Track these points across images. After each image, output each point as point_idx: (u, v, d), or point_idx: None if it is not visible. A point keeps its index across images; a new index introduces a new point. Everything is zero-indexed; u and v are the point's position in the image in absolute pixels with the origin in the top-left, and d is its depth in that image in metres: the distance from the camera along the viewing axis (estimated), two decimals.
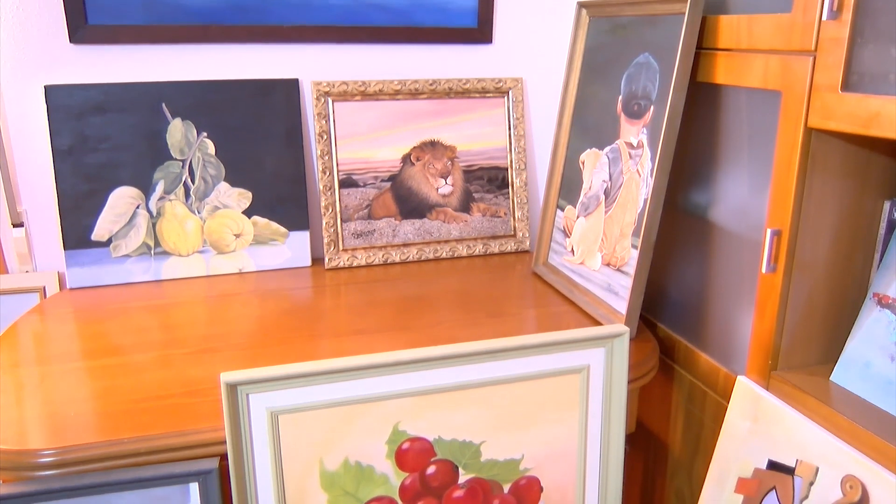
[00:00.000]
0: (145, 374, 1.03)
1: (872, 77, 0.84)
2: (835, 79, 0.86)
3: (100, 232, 1.35)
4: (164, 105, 1.36)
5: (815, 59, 0.89)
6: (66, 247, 1.34)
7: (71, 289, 1.35)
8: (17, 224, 1.38)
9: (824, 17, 0.86)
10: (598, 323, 1.20)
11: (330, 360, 0.82)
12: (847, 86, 0.85)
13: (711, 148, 1.14)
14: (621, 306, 1.16)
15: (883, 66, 0.83)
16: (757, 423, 0.98)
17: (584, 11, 1.37)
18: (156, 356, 1.08)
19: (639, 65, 1.19)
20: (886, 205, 0.98)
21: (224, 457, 0.87)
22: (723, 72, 1.07)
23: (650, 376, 1.12)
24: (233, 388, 0.80)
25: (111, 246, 1.36)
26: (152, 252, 1.39)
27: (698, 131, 1.16)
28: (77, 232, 1.34)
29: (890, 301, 0.93)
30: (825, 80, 0.87)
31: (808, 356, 1.02)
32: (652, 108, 1.15)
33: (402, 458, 0.88)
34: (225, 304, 1.29)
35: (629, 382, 0.97)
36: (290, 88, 1.44)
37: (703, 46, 1.11)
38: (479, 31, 1.54)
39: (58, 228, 1.34)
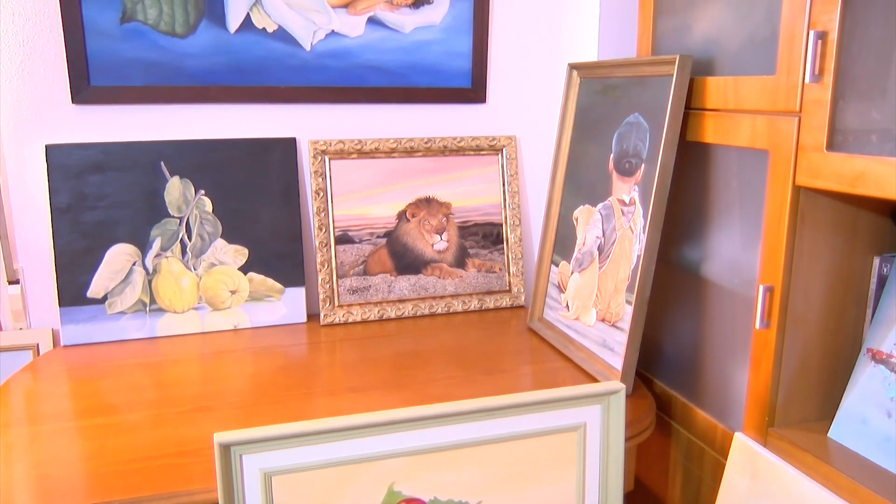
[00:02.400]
0: (138, 434, 1.01)
1: (856, 137, 0.87)
2: (820, 139, 0.88)
3: (95, 289, 1.36)
4: (162, 163, 1.38)
5: (799, 119, 0.91)
6: (61, 304, 1.34)
7: (65, 346, 1.34)
8: (13, 281, 1.38)
9: (807, 80, 0.89)
10: (593, 379, 1.20)
11: (324, 419, 0.82)
12: (832, 145, 0.87)
13: (703, 205, 1.16)
14: (617, 362, 1.16)
15: (865, 127, 0.86)
16: (756, 481, 0.97)
17: (575, 73, 1.41)
18: (149, 415, 1.07)
19: (629, 124, 1.22)
20: (876, 260, 0.99)
21: None
22: (711, 131, 1.10)
23: (647, 433, 1.11)
24: (226, 448, 0.79)
25: (106, 303, 1.36)
26: (147, 309, 1.39)
27: (689, 189, 1.18)
28: (73, 289, 1.34)
29: (884, 357, 0.94)
30: (810, 140, 0.90)
31: (804, 412, 1.02)
32: (643, 165, 1.17)
33: None
34: (219, 362, 1.28)
35: (626, 440, 0.96)
36: (287, 147, 1.46)
37: (691, 106, 1.14)
38: (473, 91, 1.58)
39: (53, 285, 1.34)
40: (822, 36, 0.86)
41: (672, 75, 1.10)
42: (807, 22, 0.89)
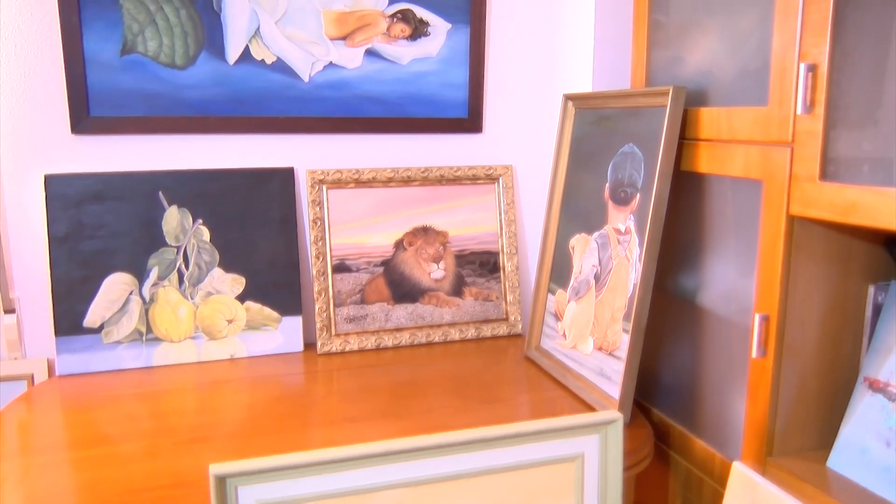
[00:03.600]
0: (132, 465, 1.01)
1: (848, 167, 0.88)
2: (812, 169, 0.89)
3: (92, 318, 1.35)
4: (160, 193, 1.39)
5: (792, 150, 0.92)
6: (57, 333, 1.33)
7: (60, 376, 1.34)
8: (9, 310, 1.37)
9: (799, 111, 0.90)
10: (591, 409, 1.19)
11: (320, 450, 0.81)
12: (825, 175, 0.88)
13: (698, 234, 1.16)
14: (614, 391, 1.16)
15: (857, 157, 0.87)
16: None
17: (570, 103, 1.42)
18: (144, 446, 1.06)
19: (624, 154, 1.23)
20: (871, 289, 1.00)
21: None
22: (705, 161, 1.11)
23: (645, 463, 1.11)
24: (221, 480, 0.78)
25: (103, 332, 1.36)
26: (144, 338, 1.39)
27: (685, 218, 1.19)
28: (69, 318, 1.34)
29: (881, 385, 0.94)
30: (803, 170, 0.91)
31: (803, 441, 1.02)
32: (638, 195, 1.18)
33: None
34: (216, 392, 1.27)
35: (625, 470, 0.95)
36: (285, 177, 1.47)
37: (685, 137, 1.15)
38: (469, 121, 1.59)
39: (50, 315, 1.34)
40: (813, 68, 0.88)
41: (666, 106, 1.11)
42: (797, 54, 0.91)
